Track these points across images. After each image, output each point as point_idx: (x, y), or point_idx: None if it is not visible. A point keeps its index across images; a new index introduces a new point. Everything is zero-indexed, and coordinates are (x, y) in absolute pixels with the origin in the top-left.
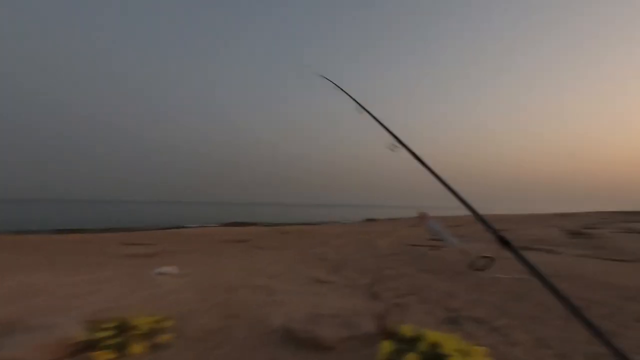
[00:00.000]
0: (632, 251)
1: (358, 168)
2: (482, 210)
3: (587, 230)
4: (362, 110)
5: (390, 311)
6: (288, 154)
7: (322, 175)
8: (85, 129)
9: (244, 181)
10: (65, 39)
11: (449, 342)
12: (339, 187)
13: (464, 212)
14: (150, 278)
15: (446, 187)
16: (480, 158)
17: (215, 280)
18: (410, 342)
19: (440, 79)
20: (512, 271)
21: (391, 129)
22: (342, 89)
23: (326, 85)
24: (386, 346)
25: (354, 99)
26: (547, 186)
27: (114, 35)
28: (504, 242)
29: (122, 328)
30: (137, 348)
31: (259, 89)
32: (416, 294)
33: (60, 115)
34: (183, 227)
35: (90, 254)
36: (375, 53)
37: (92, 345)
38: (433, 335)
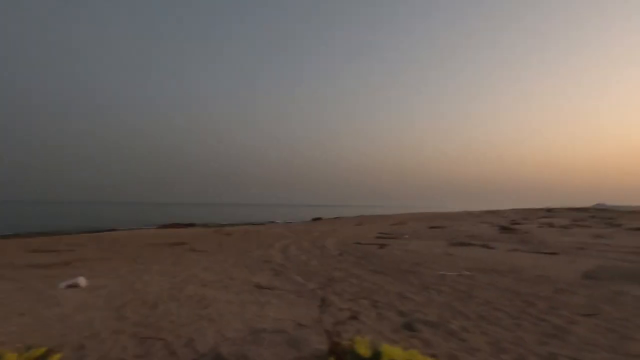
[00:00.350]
0: (553, 243)
1: (304, 167)
2: (421, 208)
3: (513, 226)
4: None
5: (342, 321)
6: (233, 151)
7: (269, 174)
8: None
9: (187, 181)
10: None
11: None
12: (285, 186)
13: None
14: (52, 294)
15: None
16: (417, 160)
17: (136, 292)
18: None
19: (370, 83)
20: (457, 268)
21: None
22: None
23: None
24: None
25: None
26: (477, 186)
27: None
28: None
29: None
30: None
31: (209, 80)
32: (367, 297)
33: None
34: (112, 230)
35: None
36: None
37: None
38: (391, 351)
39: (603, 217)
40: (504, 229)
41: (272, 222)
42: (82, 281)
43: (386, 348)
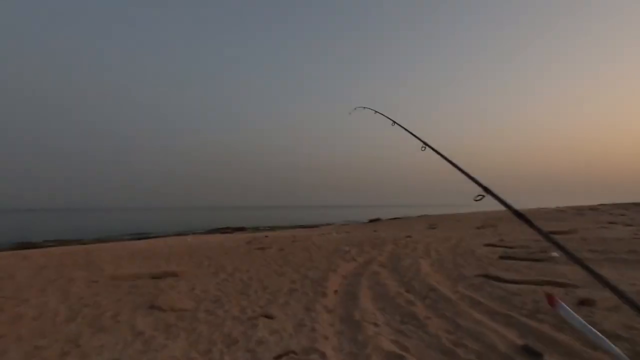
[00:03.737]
0: None
1: (354, 167)
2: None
3: None
4: (395, 124)
5: None
6: (285, 153)
7: (315, 175)
8: None
9: (256, 186)
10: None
11: None
12: (332, 187)
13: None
14: None
15: (477, 184)
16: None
17: None
18: None
19: (445, 74)
20: None
21: (420, 135)
22: (376, 111)
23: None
24: None
25: (388, 117)
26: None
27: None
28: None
29: None
30: None
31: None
32: None
33: None
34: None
35: None
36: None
37: None
38: None
39: None
40: None
41: (324, 224)
42: None
43: None
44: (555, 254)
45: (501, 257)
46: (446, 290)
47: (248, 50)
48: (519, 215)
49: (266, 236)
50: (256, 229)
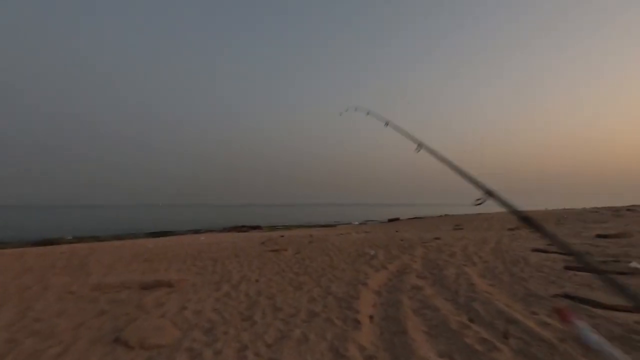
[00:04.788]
0: None
1: (367, 166)
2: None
3: None
4: (388, 124)
5: None
6: (308, 153)
7: (332, 174)
8: None
9: (269, 184)
10: (60, 38)
11: None
12: (347, 186)
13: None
14: None
15: (473, 181)
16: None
17: None
18: None
19: (446, 74)
20: None
21: (415, 135)
22: (369, 112)
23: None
24: None
25: (381, 118)
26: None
27: (114, 35)
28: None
29: None
30: None
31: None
32: None
33: None
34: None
35: None
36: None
37: None
38: None
39: None
40: None
41: (345, 223)
42: None
43: None
44: (636, 264)
45: (567, 268)
46: (529, 322)
47: (248, 50)
48: (525, 219)
49: (282, 236)
50: (273, 227)
